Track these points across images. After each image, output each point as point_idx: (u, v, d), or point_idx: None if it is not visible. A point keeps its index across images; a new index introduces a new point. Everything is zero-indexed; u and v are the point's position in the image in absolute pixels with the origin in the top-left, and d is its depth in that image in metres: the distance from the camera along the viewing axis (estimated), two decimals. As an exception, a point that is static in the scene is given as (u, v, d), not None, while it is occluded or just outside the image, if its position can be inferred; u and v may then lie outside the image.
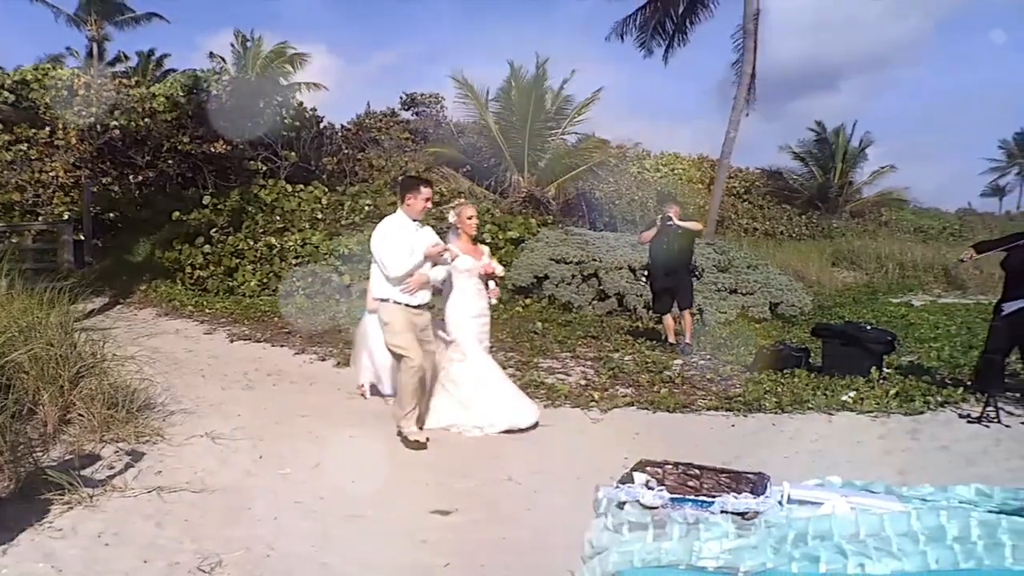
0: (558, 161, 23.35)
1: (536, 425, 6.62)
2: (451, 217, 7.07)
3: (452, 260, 6.52)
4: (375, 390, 7.74)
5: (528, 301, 13.81)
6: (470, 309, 6.83)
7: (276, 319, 12.20)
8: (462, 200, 7.15)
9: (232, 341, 10.71)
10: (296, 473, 5.39)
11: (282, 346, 10.33)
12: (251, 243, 15.26)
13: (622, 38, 23.84)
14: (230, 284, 14.80)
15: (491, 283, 7.01)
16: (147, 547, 4.10)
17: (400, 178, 7.53)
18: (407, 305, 6.16)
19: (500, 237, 15.65)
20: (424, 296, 6.29)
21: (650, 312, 12.44)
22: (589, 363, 9.32)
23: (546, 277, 14.05)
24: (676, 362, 9.35)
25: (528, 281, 14.21)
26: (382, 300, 6.24)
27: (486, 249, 7.22)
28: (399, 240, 6.13)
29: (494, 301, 7.12)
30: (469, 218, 6.97)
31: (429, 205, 6.35)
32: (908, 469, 5.65)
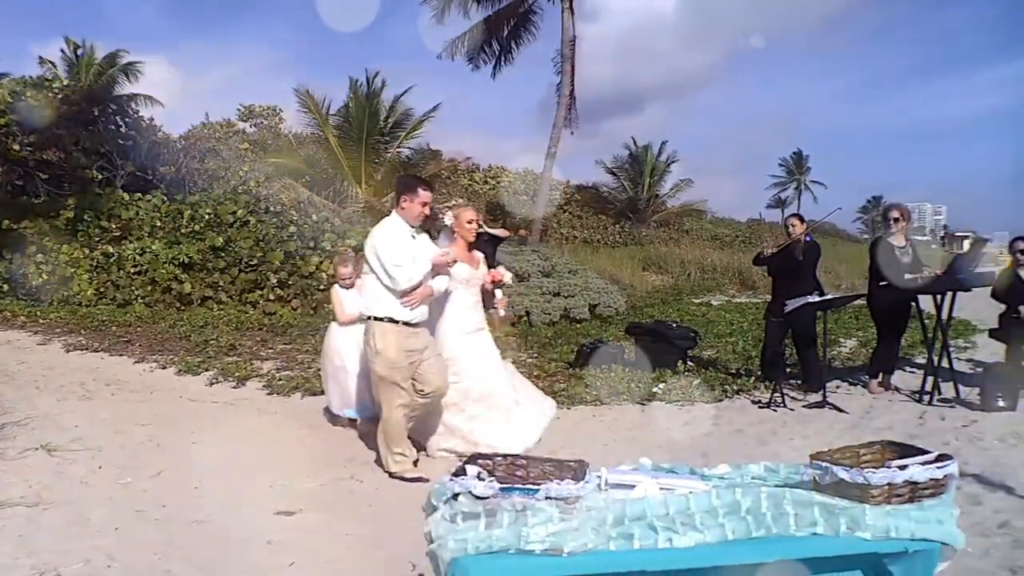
0: (394, 173, 23.18)
1: (539, 441, 5.85)
2: (447, 219, 5.89)
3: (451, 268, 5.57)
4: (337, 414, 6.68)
5: (367, 306, 13.64)
6: (465, 324, 5.79)
7: (114, 328, 11.50)
8: (460, 201, 6.02)
9: (68, 351, 10.00)
10: (137, 482, 5.09)
11: (121, 355, 9.74)
12: (87, 252, 14.36)
13: (453, 57, 24.00)
14: (65, 294, 13.87)
15: (498, 292, 5.97)
16: (-23, 564, 3.76)
17: (398, 177, 6.04)
18: (406, 323, 5.16)
19: (339, 245, 15.40)
20: (424, 311, 5.29)
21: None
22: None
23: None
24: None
25: (367, 287, 14.05)
26: (376, 319, 5.18)
27: (481, 256, 6.06)
28: (402, 248, 5.15)
29: (503, 312, 6.18)
30: (469, 222, 5.82)
31: (427, 211, 5.32)
32: (710, 451, 5.96)
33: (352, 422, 6.54)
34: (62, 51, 28.98)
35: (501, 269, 6.02)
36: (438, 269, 5.31)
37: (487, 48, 23.92)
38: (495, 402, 5.77)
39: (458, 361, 5.69)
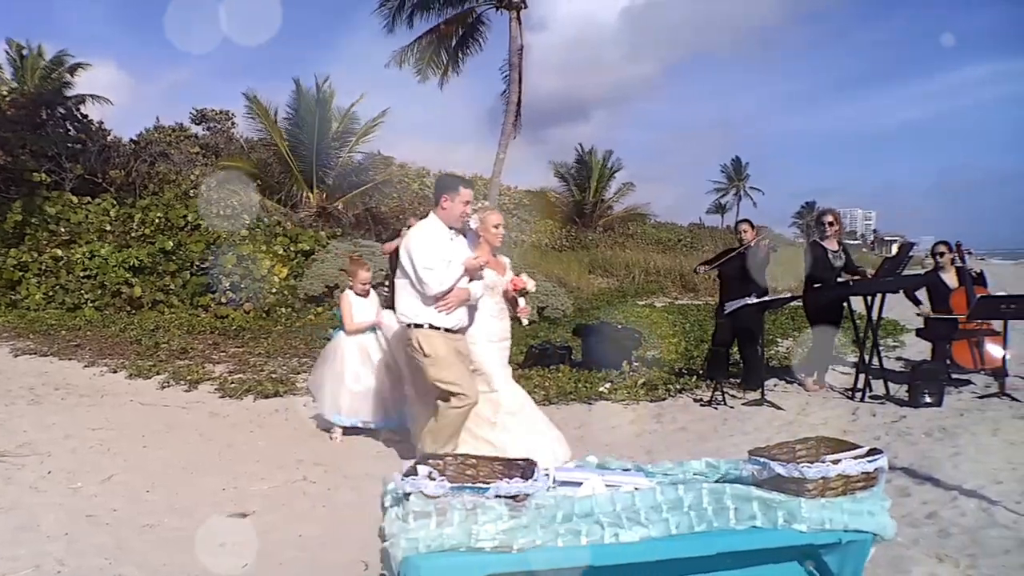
0: (345, 178, 22.96)
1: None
2: (473, 222, 5.36)
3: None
4: (348, 428, 6.29)
5: (320, 309, 13.56)
6: (491, 332, 5.36)
7: (64, 332, 11.19)
8: (487, 204, 5.45)
9: (16, 356, 9.70)
10: (87, 487, 4.95)
11: (71, 359, 9.48)
12: (35, 255, 13.97)
13: (400, 66, 23.78)
14: (13, 298, 13.48)
15: (521, 300, 5.56)
16: (-79, 572, 3.62)
17: (438, 177, 5.36)
18: (446, 330, 4.85)
19: (292, 249, 15.21)
20: (462, 317, 4.96)
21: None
22: (377, 365, 9.21)
23: (336, 286, 13.78)
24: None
25: (319, 290, 13.95)
26: (416, 326, 4.85)
27: (508, 261, 5.69)
28: (437, 250, 4.80)
29: (526, 321, 5.81)
30: (495, 227, 5.39)
31: (469, 211, 4.99)
32: (654, 448, 6.02)
33: (345, 430, 6.27)
34: (6, 52, 28.00)
35: (524, 276, 5.61)
36: (470, 273, 4.93)
37: (435, 58, 23.79)
38: (527, 416, 5.35)
39: (489, 371, 5.28)
